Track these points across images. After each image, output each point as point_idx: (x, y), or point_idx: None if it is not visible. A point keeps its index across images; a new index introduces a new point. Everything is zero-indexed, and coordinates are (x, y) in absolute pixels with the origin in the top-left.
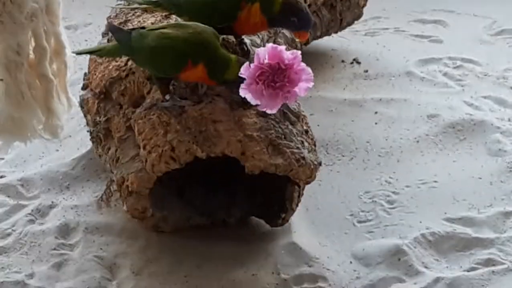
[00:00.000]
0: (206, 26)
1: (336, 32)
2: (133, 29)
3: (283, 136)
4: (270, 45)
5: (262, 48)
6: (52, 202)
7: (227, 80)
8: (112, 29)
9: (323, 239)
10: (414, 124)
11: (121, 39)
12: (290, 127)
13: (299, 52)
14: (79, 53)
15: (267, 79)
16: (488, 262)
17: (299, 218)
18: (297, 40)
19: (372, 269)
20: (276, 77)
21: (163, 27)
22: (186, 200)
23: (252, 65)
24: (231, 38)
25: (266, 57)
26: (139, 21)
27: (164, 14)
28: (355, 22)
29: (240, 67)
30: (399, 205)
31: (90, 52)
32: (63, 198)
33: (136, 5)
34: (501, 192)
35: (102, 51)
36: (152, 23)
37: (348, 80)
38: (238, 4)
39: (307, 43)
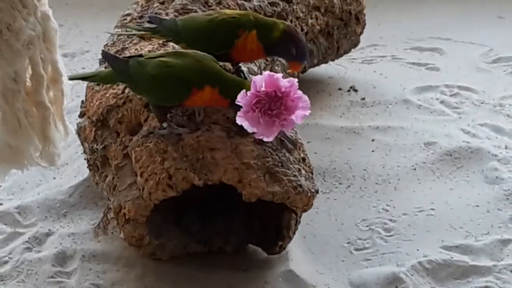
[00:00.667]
0: (204, 53)
1: (333, 60)
2: (130, 57)
3: (280, 164)
4: (267, 73)
5: (259, 76)
6: (49, 229)
7: None
8: (107, 57)
9: (320, 267)
10: (411, 152)
11: (117, 67)
12: (287, 154)
13: (296, 80)
14: (72, 78)
15: (264, 107)
16: None
17: (296, 246)
18: (288, 70)
19: None
20: (273, 105)
21: (162, 55)
22: (183, 227)
23: (249, 93)
24: (228, 65)
25: (263, 85)
26: (136, 49)
27: (161, 41)
28: (352, 49)
29: None
30: (396, 233)
31: (84, 77)
32: (60, 226)
33: (133, 32)
34: (498, 220)
35: (96, 77)
36: (150, 51)
37: (345, 107)
38: (236, 31)
39: (304, 71)
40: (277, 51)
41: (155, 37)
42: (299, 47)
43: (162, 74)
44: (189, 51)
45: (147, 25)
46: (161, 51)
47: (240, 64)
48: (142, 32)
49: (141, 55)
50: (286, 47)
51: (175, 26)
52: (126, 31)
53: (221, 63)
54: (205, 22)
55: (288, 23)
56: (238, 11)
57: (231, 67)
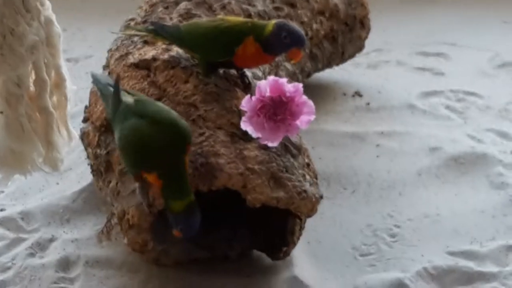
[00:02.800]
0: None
1: (337, 65)
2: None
3: (284, 169)
4: (271, 78)
5: (263, 81)
6: (52, 235)
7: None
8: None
9: (325, 273)
10: (416, 157)
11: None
12: (291, 160)
13: (301, 84)
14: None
15: (269, 112)
16: None
17: (301, 252)
18: (291, 62)
19: None
20: (278, 110)
21: (146, 115)
22: None
23: (253, 98)
24: (233, 70)
25: (268, 90)
26: (140, 53)
27: (164, 46)
28: (357, 54)
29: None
30: (401, 239)
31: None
32: (63, 232)
33: (136, 33)
34: (503, 225)
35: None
36: (153, 56)
37: (350, 113)
38: (241, 39)
39: (308, 75)
40: (273, 45)
41: (158, 39)
42: (291, 33)
43: (128, 141)
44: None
45: (150, 27)
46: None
47: (244, 69)
48: (145, 33)
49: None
50: (279, 38)
51: (177, 33)
52: (131, 30)
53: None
54: (210, 29)
55: (282, 19)
56: (240, 19)
57: (236, 73)
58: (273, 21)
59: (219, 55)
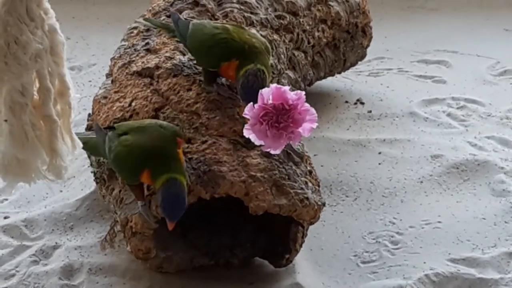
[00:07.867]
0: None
1: (339, 73)
2: (111, 127)
3: (287, 177)
4: (274, 85)
5: (266, 89)
6: (56, 243)
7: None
8: (96, 129)
9: (327, 280)
10: (417, 165)
11: (99, 138)
12: (294, 167)
13: (303, 92)
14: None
15: (271, 120)
16: None
17: (303, 259)
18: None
19: None
20: (280, 117)
21: (130, 129)
22: (189, 240)
23: (256, 105)
24: None
25: (270, 97)
26: (143, 62)
27: (167, 53)
28: (359, 62)
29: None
30: (403, 246)
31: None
32: (67, 239)
33: (152, 25)
34: (505, 232)
35: (87, 144)
36: (156, 64)
37: (352, 120)
38: (230, 55)
39: (310, 84)
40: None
41: (170, 36)
42: (245, 87)
43: (120, 153)
44: (154, 125)
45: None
46: (134, 122)
47: None
48: (160, 28)
49: (113, 127)
50: (240, 86)
51: (185, 31)
52: (148, 21)
53: None
54: (208, 36)
55: (258, 66)
56: (247, 33)
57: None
58: (249, 67)
59: (209, 64)
